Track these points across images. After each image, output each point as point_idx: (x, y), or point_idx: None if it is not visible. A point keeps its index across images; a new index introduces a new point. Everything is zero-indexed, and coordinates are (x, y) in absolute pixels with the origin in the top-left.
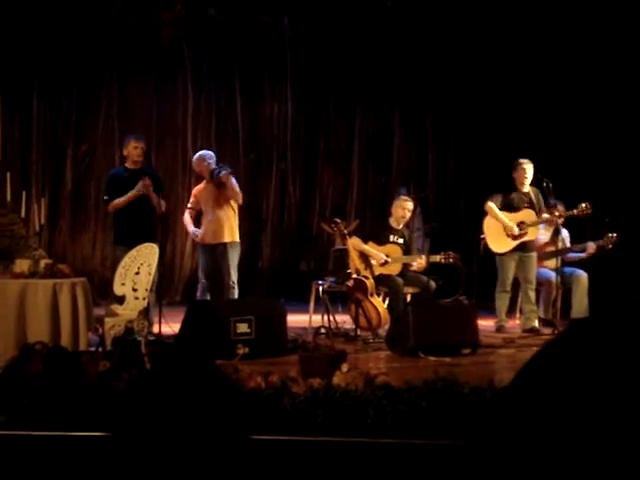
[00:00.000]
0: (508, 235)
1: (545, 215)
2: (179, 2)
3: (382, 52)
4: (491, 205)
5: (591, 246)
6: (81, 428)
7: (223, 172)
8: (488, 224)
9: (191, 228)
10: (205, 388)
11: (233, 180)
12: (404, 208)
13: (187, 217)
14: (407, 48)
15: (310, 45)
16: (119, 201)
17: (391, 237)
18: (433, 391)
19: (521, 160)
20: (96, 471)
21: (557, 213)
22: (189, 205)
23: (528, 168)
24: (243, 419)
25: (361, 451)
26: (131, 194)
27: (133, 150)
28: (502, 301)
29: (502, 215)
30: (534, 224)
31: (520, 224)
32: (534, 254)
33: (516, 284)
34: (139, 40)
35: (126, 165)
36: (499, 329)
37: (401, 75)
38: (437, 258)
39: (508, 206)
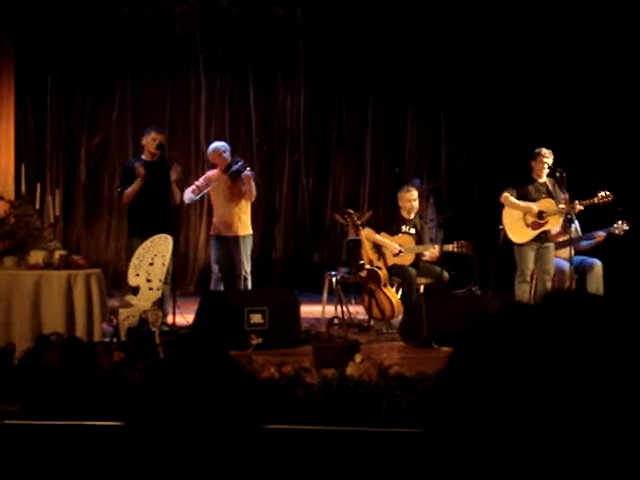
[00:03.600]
0: (528, 224)
1: (562, 205)
2: None
3: (395, 43)
4: (506, 195)
5: (600, 234)
6: (96, 418)
7: (247, 173)
8: (507, 214)
9: (186, 195)
10: (219, 378)
11: (252, 182)
12: (409, 200)
13: (188, 190)
14: (420, 38)
15: (323, 36)
16: (128, 191)
17: (403, 227)
18: None
19: (543, 150)
20: (110, 460)
21: (577, 202)
22: (197, 183)
23: (548, 160)
24: (257, 409)
25: (375, 441)
26: (136, 183)
27: (151, 142)
28: (522, 291)
29: (519, 201)
30: (554, 213)
31: (540, 213)
32: (552, 245)
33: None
34: (153, 32)
35: (142, 157)
36: None
37: (414, 66)
38: (450, 247)
39: (525, 198)
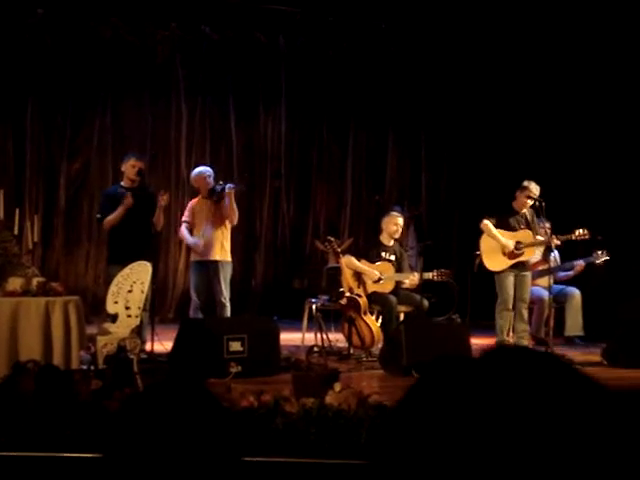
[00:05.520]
0: (504, 253)
1: (540, 237)
2: (174, 20)
3: (376, 71)
4: (487, 223)
5: (579, 264)
6: (73, 447)
7: (230, 186)
8: (485, 242)
9: (190, 240)
10: (195, 409)
11: (234, 198)
12: (396, 224)
13: (184, 230)
14: (401, 67)
15: (304, 64)
16: (110, 218)
17: (383, 254)
18: None
19: (531, 185)
20: None
21: (554, 237)
22: (185, 218)
23: (534, 194)
24: (233, 441)
25: (355, 473)
26: (119, 210)
27: (130, 168)
28: (504, 320)
29: (498, 233)
30: (531, 244)
31: (517, 244)
32: (529, 273)
33: None
34: (134, 58)
35: (121, 183)
36: None
37: (395, 94)
38: (430, 275)
39: (504, 227)
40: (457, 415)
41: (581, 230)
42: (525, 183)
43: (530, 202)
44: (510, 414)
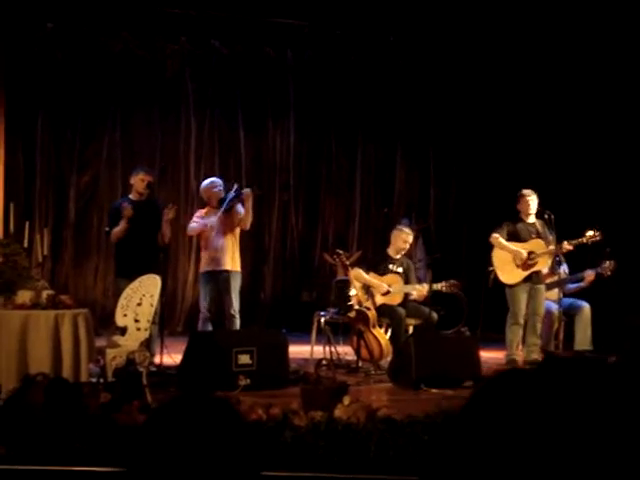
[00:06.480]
0: (518, 265)
1: (552, 246)
2: (184, 34)
3: (384, 84)
4: (496, 236)
5: (589, 274)
6: (82, 460)
7: (246, 190)
8: (497, 255)
9: (201, 222)
10: (219, 424)
11: (250, 202)
12: (405, 241)
13: (193, 223)
14: (409, 80)
15: (313, 77)
16: (115, 230)
17: (390, 266)
18: (434, 425)
19: (524, 191)
20: None
21: (565, 242)
22: (195, 219)
23: (532, 200)
24: (254, 456)
25: None
26: (122, 223)
27: (140, 182)
28: (514, 334)
29: (509, 243)
30: (544, 254)
31: (530, 254)
32: (543, 286)
33: None
34: (143, 71)
35: (130, 196)
36: (510, 362)
37: (403, 107)
38: (439, 286)
39: (515, 237)
40: (521, 424)
41: (592, 232)
42: (519, 193)
43: (533, 208)
44: (570, 423)
